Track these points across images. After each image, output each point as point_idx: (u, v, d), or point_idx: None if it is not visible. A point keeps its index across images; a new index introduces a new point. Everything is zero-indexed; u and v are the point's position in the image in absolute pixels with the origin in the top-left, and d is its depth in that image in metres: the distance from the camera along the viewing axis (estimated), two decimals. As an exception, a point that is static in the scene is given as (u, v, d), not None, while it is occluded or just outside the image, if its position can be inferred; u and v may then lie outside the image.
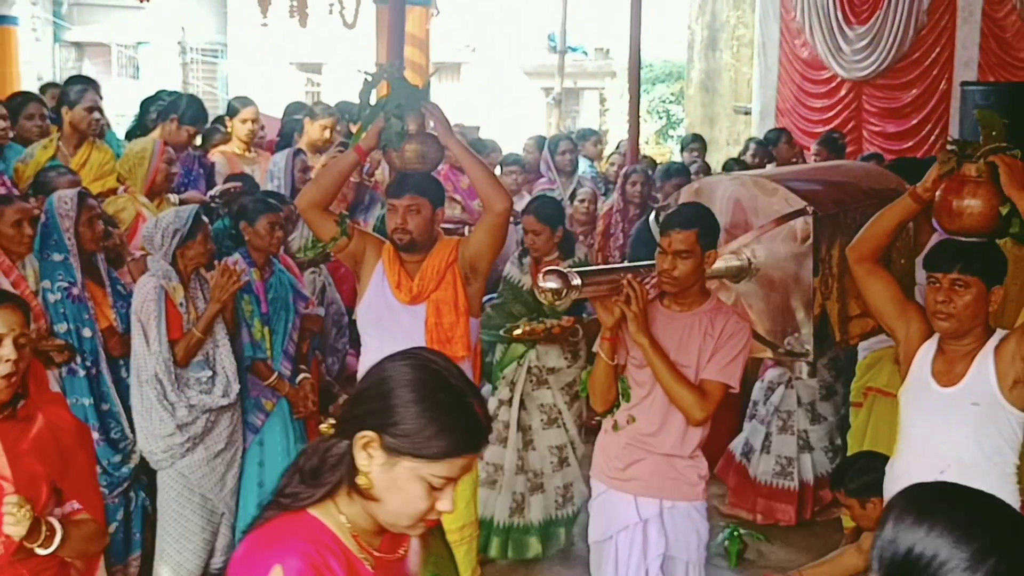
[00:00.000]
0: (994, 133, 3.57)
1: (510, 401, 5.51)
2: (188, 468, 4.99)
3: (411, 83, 4.33)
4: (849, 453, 5.56)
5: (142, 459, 4.99)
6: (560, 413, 5.53)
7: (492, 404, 5.48)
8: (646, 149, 15.33)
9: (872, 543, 1.90)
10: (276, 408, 5.30)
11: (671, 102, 24.03)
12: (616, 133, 17.85)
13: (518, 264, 5.69)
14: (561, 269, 3.83)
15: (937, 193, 3.67)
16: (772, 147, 10.01)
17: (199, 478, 5.02)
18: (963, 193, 3.61)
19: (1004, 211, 3.56)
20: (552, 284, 3.76)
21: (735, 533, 6.07)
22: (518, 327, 5.33)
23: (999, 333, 3.60)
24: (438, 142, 4.30)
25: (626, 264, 4.39)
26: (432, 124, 4.30)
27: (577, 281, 3.79)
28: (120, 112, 11.96)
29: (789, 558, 5.91)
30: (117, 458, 4.99)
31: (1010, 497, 3.62)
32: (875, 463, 4.17)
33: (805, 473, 6.45)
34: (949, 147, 3.67)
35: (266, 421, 5.29)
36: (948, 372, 3.61)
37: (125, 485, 5.06)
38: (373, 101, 4.40)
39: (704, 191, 4.72)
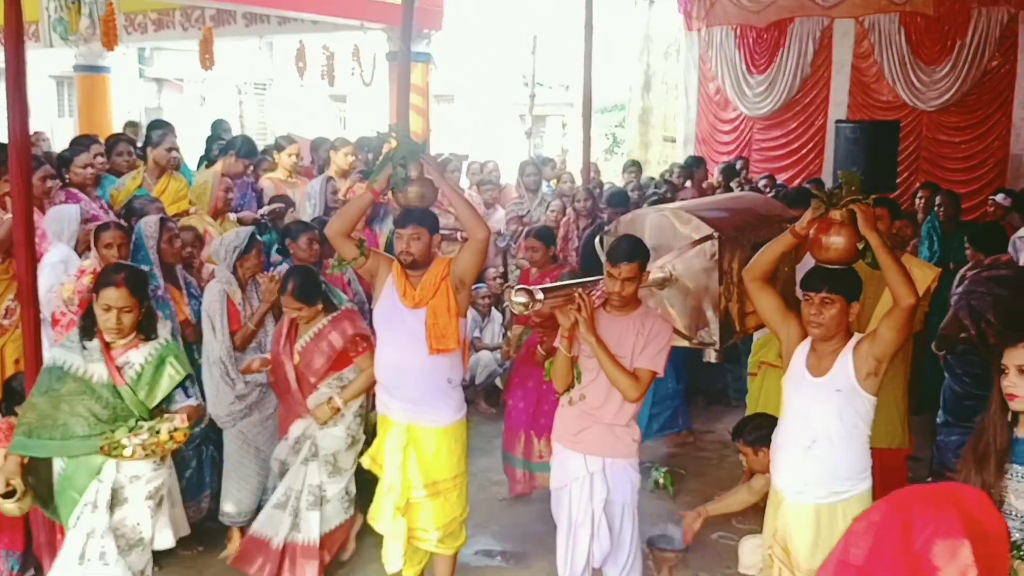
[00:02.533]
0: (853, 188, 3.60)
1: None
2: (246, 427, 5.01)
3: (413, 140, 4.33)
4: (747, 413, 5.61)
5: (211, 420, 4.99)
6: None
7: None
8: (598, 161, 15.18)
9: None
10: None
11: (617, 126, 23.92)
12: (574, 150, 17.78)
13: None
14: (527, 287, 3.88)
15: (810, 231, 3.72)
16: (692, 169, 10.06)
17: (254, 435, 5.04)
18: (830, 232, 3.65)
19: (861, 246, 3.61)
20: (521, 299, 3.81)
21: (663, 470, 6.08)
22: None
23: (856, 336, 3.63)
24: (434, 185, 4.31)
25: (577, 280, 4.40)
26: (428, 171, 4.30)
27: (540, 296, 3.84)
28: (189, 135, 11.88)
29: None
30: (191, 420, 5.01)
31: (863, 458, 3.69)
32: (767, 421, 4.20)
33: None
34: (819, 196, 3.71)
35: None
36: (818, 366, 3.64)
37: (198, 441, 5.08)
38: (385, 150, 4.41)
39: (637, 220, 4.75)
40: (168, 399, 3.74)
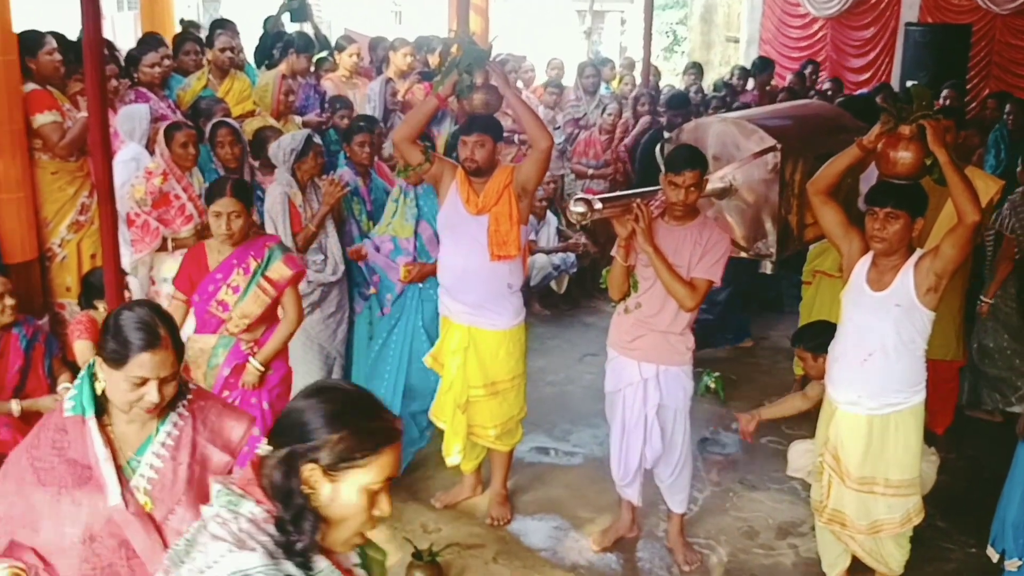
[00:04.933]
0: (924, 103, 3.56)
1: None
2: (309, 325, 5.07)
3: (478, 46, 4.30)
4: (801, 322, 5.64)
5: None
6: None
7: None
8: (656, 61, 14.93)
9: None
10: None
11: (678, 23, 23.34)
12: (633, 47, 17.44)
13: None
14: (586, 197, 3.90)
15: (878, 145, 3.68)
16: (755, 72, 9.83)
17: (317, 332, 5.16)
18: (898, 147, 3.62)
19: (928, 162, 3.57)
20: (580, 208, 3.85)
21: (714, 375, 6.17)
22: None
23: (918, 252, 3.64)
24: (498, 92, 4.31)
25: (635, 191, 4.40)
26: (494, 78, 4.29)
27: (599, 205, 3.88)
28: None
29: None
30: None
31: (918, 371, 3.74)
32: (827, 328, 4.21)
33: None
34: (888, 110, 3.66)
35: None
36: (879, 280, 3.66)
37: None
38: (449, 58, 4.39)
39: (700, 129, 4.73)
40: None
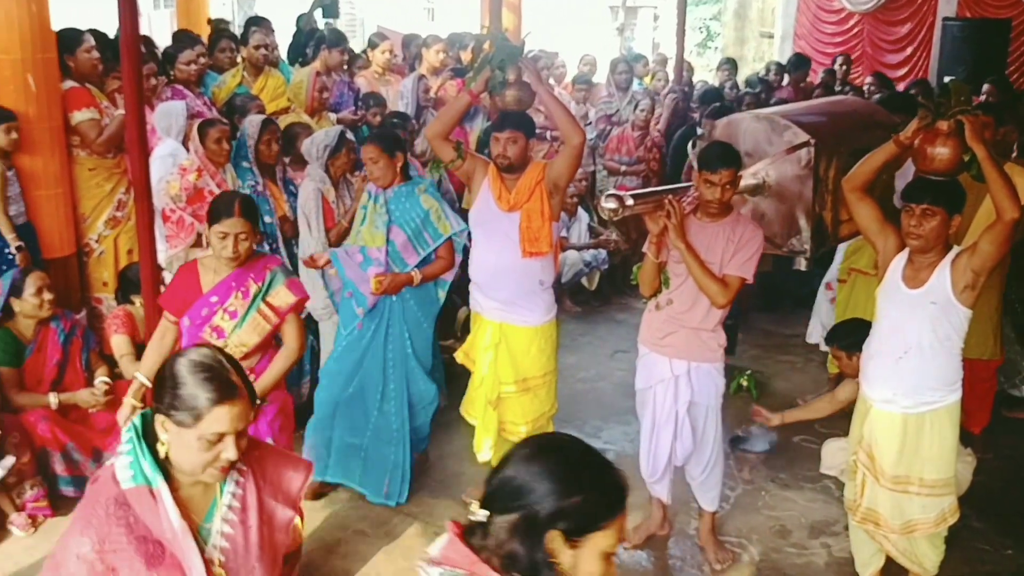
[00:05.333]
0: (962, 98, 3.51)
1: None
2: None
3: (511, 43, 4.30)
4: (836, 319, 5.59)
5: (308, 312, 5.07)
6: None
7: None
8: (689, 57, 14.87)
9: None
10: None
11: (711, 19, 23.20)
12: (665, 43, 17.35)
13: None
14: (617, 193, 3.89)
15: (915, 141, 3.64)
16: (790, 68, 9.73)
17: (348, 328, 5.18)
18: (936, 143, 3.58)
19: (966, 158, 3.53)
20: (611, 204, 3.84)
21: (747, 373, 6.12)
22: None
23: (955, 249, 3.60)
24: (531, 88, 4.29)
25: (667, 187, 4.39)
26: (526, 75, 4.29)
27: (630, 201, 3.87)
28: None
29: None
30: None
31: (954, 370, 3.69)
32: (862, 326, 4.18)
33: None
34: (926, 105, 3.61)
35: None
36: (915, 277, 3.61)
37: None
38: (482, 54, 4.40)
39: (732, 124, 4.70)
40: None
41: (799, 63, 9.77)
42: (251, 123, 5.13)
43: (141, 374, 3.64)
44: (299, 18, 7.71)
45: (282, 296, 3.74)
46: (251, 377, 2.99)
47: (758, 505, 4.84)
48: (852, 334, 4.35)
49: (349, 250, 4.64)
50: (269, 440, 3.71)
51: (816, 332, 6.38)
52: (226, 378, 2.04)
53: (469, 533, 1.67)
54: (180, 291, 3.75)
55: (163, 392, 2.04)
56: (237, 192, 4.60)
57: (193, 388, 2.01)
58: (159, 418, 2.04)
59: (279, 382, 3.83)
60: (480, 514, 1.65)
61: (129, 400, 3.60)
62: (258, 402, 2.99)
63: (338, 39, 6.82)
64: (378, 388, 4.66)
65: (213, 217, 3.63)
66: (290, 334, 3.78)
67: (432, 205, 4.58)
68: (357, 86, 6.96)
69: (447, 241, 4.61)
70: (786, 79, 9.65)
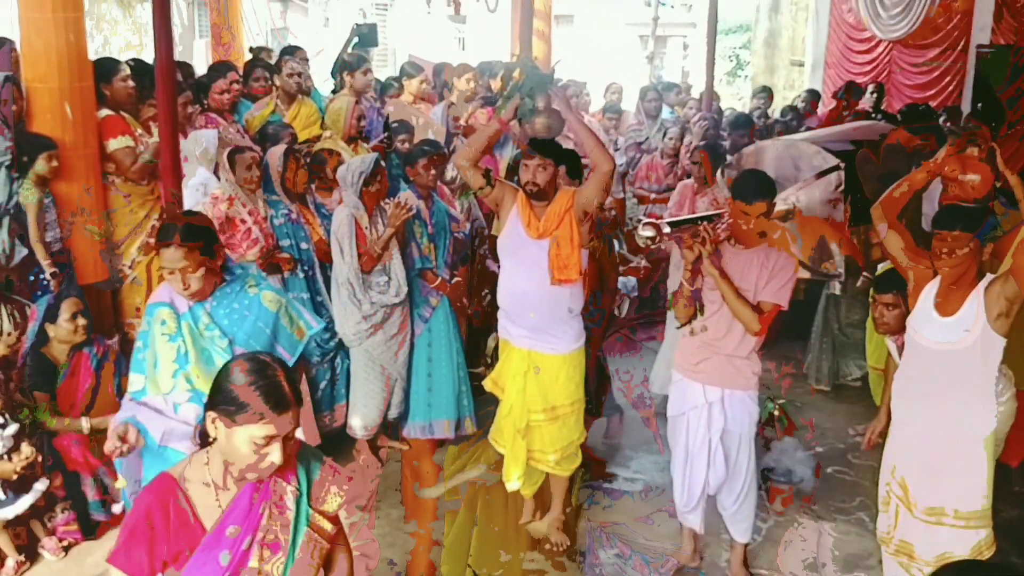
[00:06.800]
0: (994, 125, 3.50)
1: None
2: (371, 346, 5.18)
3: (541, 71, 4.33)
4: (868, 340, 5.51)
5: (341, 338, 5.10)
6: None
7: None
8: (718, 86, 14.88)
9: None
10: (440, 303, 5.42)
11: (741, 47, 23.23)
12: (695, 72, 17.40)
13: None
14: (654, 221, 3.91)
15: (945, 168, 3.62)
16: (855, 98, 9.61)
17: (379, 353, 5.21)
18: (967, 170, 3.57)
19: (998, 184, 3.52)
20: (648, 232, 3.87)
21: (779, 402, 6.06)
22: None
23: (988, 276, 3.56)
24: (560, 116, 4.31)
25: (701, 214, 4.40)
26: (556, 102, 4.31)
27: (667, 229, 3.89)
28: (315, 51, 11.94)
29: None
30: (326, 335, 5.20)
31: (990, 401, 3.64)
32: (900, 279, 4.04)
33: None
34: (956, 132, 3.61)
35: (433, 313, 5.40)
36: (946, 305, 3.59)
37: (332, 354, 5.30)
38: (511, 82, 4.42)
39: (759, 152, 4.73)
40: None
41: (848, 88, 9.70)
42: (272, 155, 5.20)
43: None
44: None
45: (330, 495, 2.42)
46: None
47: (791, 537, 4.78)
48: (892, 281, 4.23)
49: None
50: None
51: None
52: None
53: None
54: (149, 536, 2.19)
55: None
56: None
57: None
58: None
59: None
60: None
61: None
62: None
63: (358, 61, 6.91)
64: None
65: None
66: (342, 562, 2.56)
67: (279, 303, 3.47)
68: (386, 113, 7.04)
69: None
70: (829, 105, 9.52)
